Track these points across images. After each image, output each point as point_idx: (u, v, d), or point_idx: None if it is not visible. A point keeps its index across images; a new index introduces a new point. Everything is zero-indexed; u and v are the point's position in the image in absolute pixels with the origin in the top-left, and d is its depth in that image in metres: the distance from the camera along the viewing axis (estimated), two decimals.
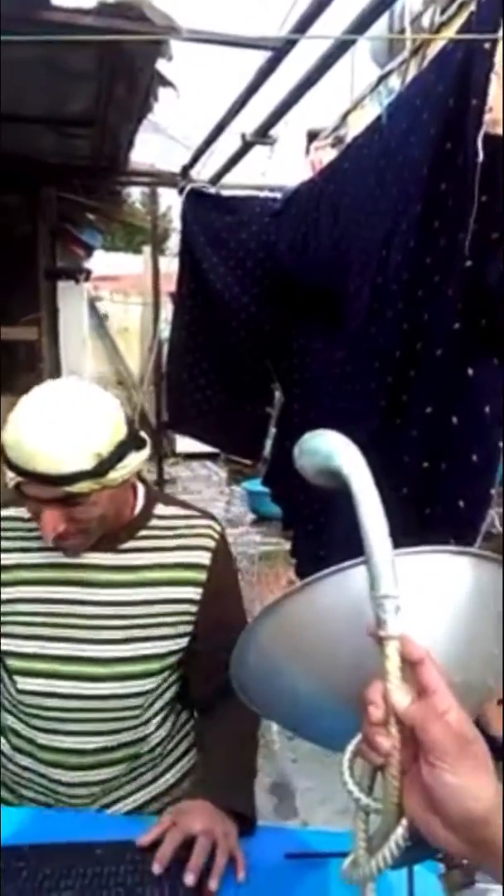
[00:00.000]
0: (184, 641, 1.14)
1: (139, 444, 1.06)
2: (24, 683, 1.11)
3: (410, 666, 0.58)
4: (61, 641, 1.10)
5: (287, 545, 4.25)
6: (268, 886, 0.94)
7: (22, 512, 1.14)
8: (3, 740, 1.19)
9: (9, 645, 1.12)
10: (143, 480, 1.19)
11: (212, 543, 1.15)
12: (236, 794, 1.03)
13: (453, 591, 0.68)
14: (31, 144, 3.26)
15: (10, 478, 1.00)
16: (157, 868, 0.90)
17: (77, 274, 4.01)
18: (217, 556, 1.15)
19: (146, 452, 1.07)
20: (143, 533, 1.14)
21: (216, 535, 1.17)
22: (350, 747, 0.70)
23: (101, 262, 6.85)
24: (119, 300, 8.32)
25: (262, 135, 2.79)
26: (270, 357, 2.83)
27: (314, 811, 2.30)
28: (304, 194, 2.44)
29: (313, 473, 0.77)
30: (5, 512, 1.18)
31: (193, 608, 1.13)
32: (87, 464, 0.97)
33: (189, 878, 0.89)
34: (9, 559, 1.14)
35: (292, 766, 2.60)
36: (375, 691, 0.59)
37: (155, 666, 1.12)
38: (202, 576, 1.13)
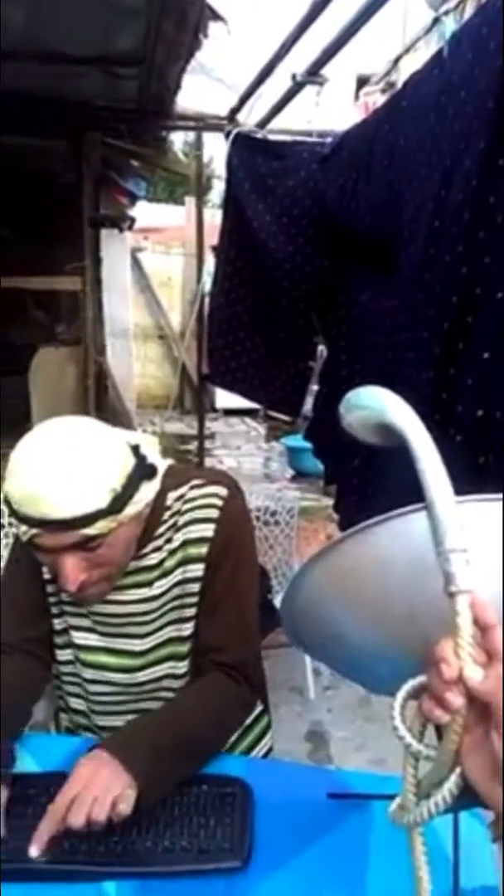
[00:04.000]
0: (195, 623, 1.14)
1: (150, 473, 1.02)
2: (79, 672, 1.16)
3: (480, 630, 0.57)
4: (106, 636, 1.14)
5: (326, 501, 4.24)
6: (309, 825, 0.95)
7: None
8: (64, 718, 1.25)
9: (62, 627, 1.16)
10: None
11: (215, 513, 1.11)
12: (136, 752, 0.93)
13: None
14: (76, 86, 3.20)
15: (23, 532, 0.95)
16: (33, 851, 0.84)
17: (121, 222, 3.97)
18: (221, 524, 1.11)
19: (157, 481, 1.04)
20: (158, 531, 1.12)
21: (220, 503, 1.11)
22: (402, 693, 0.69)
23: (143, 213, 6.78)
24: (161, 252, 8.25)
25: (313, 75, 2.69)
26: (315, 309, 2.77)
27: (348, 760, 2.33)
28: (355, 137, 2.35)
29: (363, 430, 0.75)
30: None
31: (197, 587, 1.12)
32: (103, 501, 0.93)
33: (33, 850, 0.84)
34: None
35: (328, 715, 2.63)
36: (446, 648, 0.58)
37: (181, 649, 1.14)
38: (203, 549, 1.11)
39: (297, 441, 4.82)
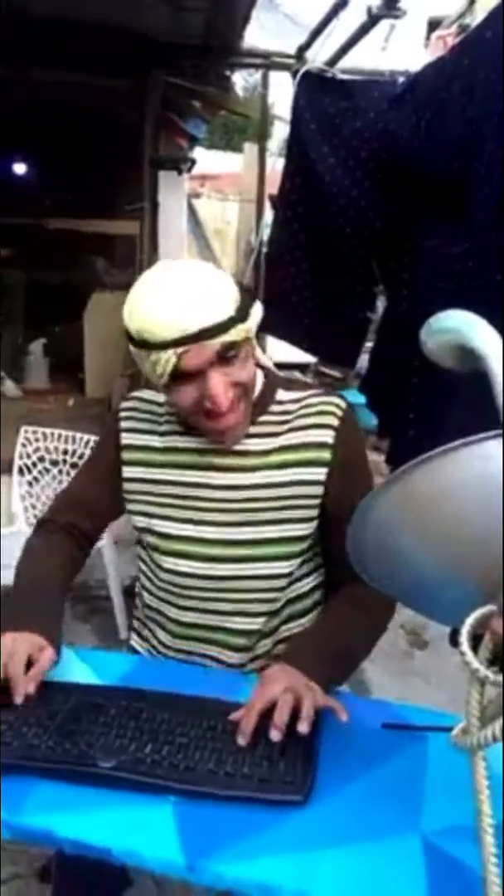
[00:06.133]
0: (314, 525, 1.13)
1: (253, 299, 1.08)
2: (161, 560, 1.16)
3: None
4: (189, 523, 1.13)
5: (374, 456, 4.21)
6: (363, 754, 0.95)
7: (154, 395, 1.18)
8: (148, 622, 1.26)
9: (143, 522, 1.17)
10: (262, 367, 1.17)
11: (335, 421, 1.12)
12: (316, 662, 1.01)
13: None
14: (142, 20, 3.12)
15: (164, 364, 0.99)
16: (241, 740, 0.90)
17: (181, 164, 3.91)
18: (341, 433, 1.11)
19: (259, 312, 1.08)
20: (265, 418, 1.13)
21: (340, 413, 1.13)
22: (471, 619, 0.68)
23: (200, 159, 6.66)
24: (217, 199, 8.12)
25: (390, 8, 2.57)
26: (377, 257, 2.70)
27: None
28: (430, 74, 2.24)
29: (443, 354, 0.73)
30: (137, 393, 1.21)
31: (320, 490, 1.11)
32: (232, 309, 1.00)
33: (274, 735, 0.90)
34: (138, 440, 1.17)
35: (370, 665, 2.65)
36: None
37: (282, 550, 1.12)
38: (326, 455, 1.11)
39: (350, 395, 4.75)
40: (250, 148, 5.43)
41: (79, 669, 1.10)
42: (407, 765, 0.94)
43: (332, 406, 1.13)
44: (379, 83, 2.81)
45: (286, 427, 1.12)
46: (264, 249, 3.77)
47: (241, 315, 1.02)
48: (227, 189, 7.98)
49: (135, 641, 1.29)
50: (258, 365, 1.13)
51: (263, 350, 8.06)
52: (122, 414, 1.20)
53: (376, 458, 3.40)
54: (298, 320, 3.31)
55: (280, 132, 4.53)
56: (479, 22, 2.11)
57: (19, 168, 6.45)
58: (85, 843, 0.81)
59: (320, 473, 1.11)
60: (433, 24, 4.69)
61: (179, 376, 1.01)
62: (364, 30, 2.82)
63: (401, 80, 2.75)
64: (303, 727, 0.90)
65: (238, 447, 1.12)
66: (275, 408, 1.14)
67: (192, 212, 7.81)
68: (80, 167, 4.90)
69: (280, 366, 8.14)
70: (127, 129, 4.12)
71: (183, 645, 1.18)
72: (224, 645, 1.16)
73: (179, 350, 0.98)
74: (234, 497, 1.11)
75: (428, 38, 4.78)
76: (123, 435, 1.18)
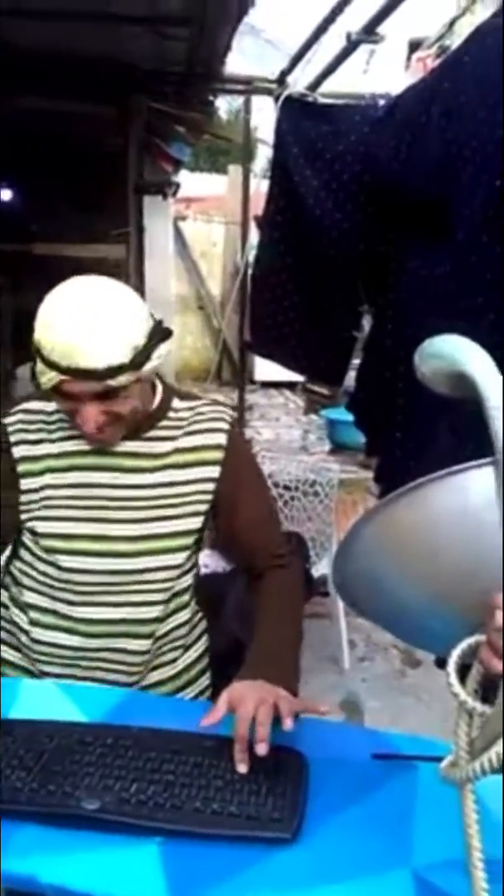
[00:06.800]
0: (203, 519, 1.22)
1: (165, 335, 1.10)
2: (60, 561, 1.17)
3: None
4: (92, 522, 1.17)
5: (364, 474, 4.21)
6: (353, 784, 0.94)
7: (42, 405, 1.20)
8: (22, 616, 1.24)
9: (43, 527, 1.18)
10: (159, 377, 1.23)
11: (226, 426, 1.23)
12: (279, 669, 1.05)
13: None
14: (124, 48, 3.16)
15: (47, 379, 1.04)
16: (241, 769, 0.90)
17: (166, 188, 3.93)
18: (232, 435, 1.23)
19: (170, 343, 1.12)
20: (164, 423, 1.21)
21: (229, 419, 1.25)
22: (457, 650, 0.68)
23: (186, 182, 6.70)
24: (202, 220, 8.18)
25: (369, 33, 2.61)
26: (361, 278, 2.72)
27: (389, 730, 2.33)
28: (410, 97, 2.27)
29: (436, 380, 0.72)
30: (25, 405, 1.22)
31: (212, 486, 1.20)
32: (126, 357, 1.02)
33: (260, 749, 0.89)
34: (37, 450, 1.19)
35: (362, 685, 2.63)
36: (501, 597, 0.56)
37: (180, 542, 1.20)
38: (219, 454, 1.21)
39: (338, 413, 4.77)
40: (235, 170, 5.49)
41: (65, 707, 1.08)
42: (397, 796, 0.92)
43: (223, 414, 1.24)
44: (360, 107, 2.84)
45: (182, 431, 1.21)
46: (250, 270, 3.79)
47: (138, 360, 1.04)
48: (212, 211, 8.05)
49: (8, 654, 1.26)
50: (152, 384, 1.20)
51: (252, 369, 8.10)
52: (10, 429, 1.20)
53: (367, 476, 3.40)
54: (285, 340, 3.32)
55: (264, 154, 4.57)
56: (458, 44, 2.15)
57: (5, 195, 6.47)
58: (68, 889, 0.79)
59: (214, 471, 1.20)
60: (414, 46, 4.77)
61: (59, 391, 1.05)
62: (344, 55, 2.86)
63: (381, 102, 2.78)
64: (287, 724, 0.92)
65: (139, 449, 1.18)
66: (171, 415, 1.22)
67: (179, 234, 7.87)
68: (66, 193, 4.93)
69: (268, 384, 8.19)
70: (112, 154, 4.15)
71: (90, 643, 1.18)
72: (131, 635, 1.19)
73: (62, 377, 1.02)
74: (136, 496, 1.17)
75: (409, 59, 4.86)
76: (14, 449, 1.19)
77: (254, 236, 3.90)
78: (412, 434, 2.17)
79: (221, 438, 1.22)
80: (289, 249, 3.17)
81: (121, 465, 1.18)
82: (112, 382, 1.02)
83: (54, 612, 1.20)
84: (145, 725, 1.00)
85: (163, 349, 1.09)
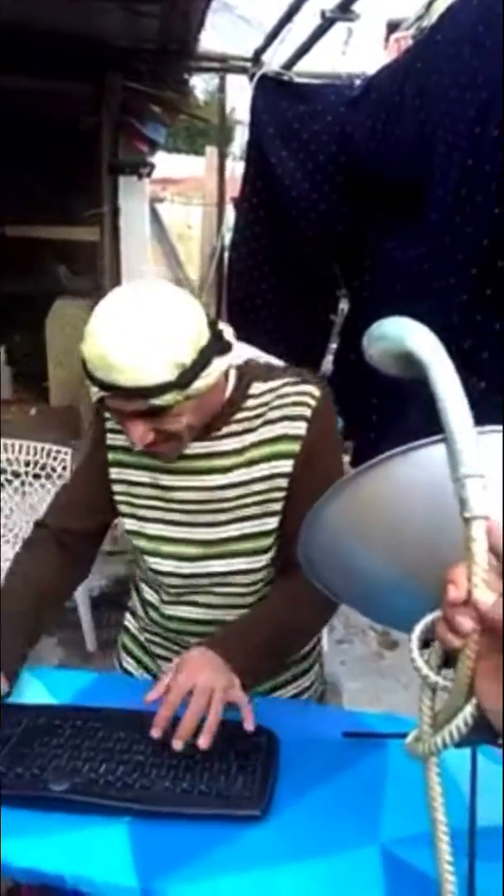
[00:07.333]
0: (281, 518, 1.12)
1: (223, 348, 1.00)
2: (150, 562, 1.16)
3: (496, 558, 0.55)
4: (170, 525, 1.13)
5: (343, 458, 4.23)
6: (324, 763, 0.94)
7: None
8: (141, 611, 1.27)
9: (129, 524, 1.17)
10: (234, 366, 1.12)
11: (308, 411, 1.07)
12: (238, 649, 1.00)
13: None
14: (97, 25, 3.09)
15: (94, 392, 0.97)
16: (155, 733, 0.89)
17: (141, 168, 3.88)
18: (314, 423, 1.07)
19: (231, 356, 1.02)
20: (238, 416, 1.10)
21: (314, 403, 1.08)
22: (420, 626, 0.68)
23: (163, 164, 6.61)
24: (180, 202, 8.09)
25: (344, 11, 2.58)
26: (338, 259, 2.71)
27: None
28: (385, 77, 2.26)
29: (384, 360, 0.72)
30: None
31: (285, 482, 1.09)
32: (171, 375, 0.93)
33: (176, 744, 0.87)
34: (118, 440, 1.15)
35: (341, 667, 2.65)
36: (457, 571, 0.56)
37: (262, 543, 1.12)
38: (296, 447, 1.08)
39: None
40: (212, 152, 5.42)
41: (34, 689, 1.08)
42: (368, 774, 0.93)
43: (306, 396, 1.08)
44: (335, 86, 2.82)
45: (261, 420, 1.09)
46: (226, 254, 3.76)
47: (184, 380, 0.94)
48: (190, 193, 7.95)
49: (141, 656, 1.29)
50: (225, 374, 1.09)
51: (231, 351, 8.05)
52: (107, 413, 1.15)
53: (345, 459, 3.40)
54: (262, 323, 3.31)
55: (242, 136, 4.52)
56: (432, 24, 2.13)
57: None
58: (37, 871, 0.78)
59: (288, 465, 1.09)
60: (392, 27, 4.72)
61: (106, 404, 0.99)
62: (319, 32, 2.82)
63: (357, 82, 2.76)
64: (202, 742, 0.88)
65: (212, 449, 1.09)
66: (250, 402, 1.10)
67: (156, 216, 7.78)
68: (39, 173, 4.84)
69: None
70: (85, 134, 4.08)
71: (181, 640, 1.19)
72: None
73: (104, 392, 0.95)
74: (210, 498, 1.11)
75: (387, 41, 4.81)
76: (108, 435, 1.17)
77: (230, 219, 3.87)
78: (386, 417, 2.18)
79: (301, 428, 1.08)
80: (265, 231, 3.14)
81: (193, 468, 1.10)
82: (156, 402, 0.94)
83: (153, 607, 1.21)
84: (115, 706, 0.99)
85: (218, 365, 0.99)
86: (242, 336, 3.38)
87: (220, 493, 1.10)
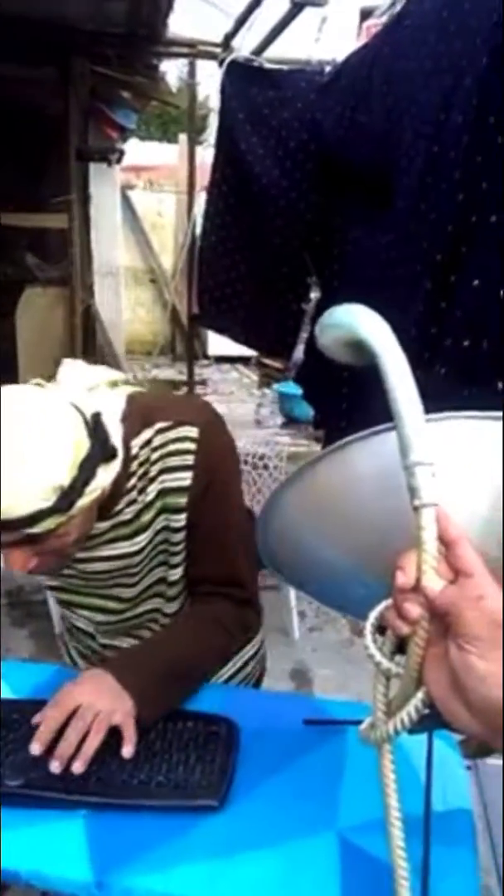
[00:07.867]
0: (185, 567, 1.13)
1: (108, 455, 0.91)
2: (73, 618, 1.23)
3: (445, 545, 0.55)
4: (90, 591, 1.15)
5: (315, 447, 4.23)
6: (284, 751, 0.94)
7: None
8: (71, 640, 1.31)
9: (54, 592, 1.22)
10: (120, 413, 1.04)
11: (189, 458, 1.03)
12: (134, 672, 0.95)
13: (487, 458, 0.64)
14: (62, 8, 3.03)
15: None
16: (35, 749, 0.86)
17: (110, 155, 3.82)
18: (198, 467, 1.04)
19: (117, 463, 0.95)
20: (129, 485, 1.03)
21: (192, 445, 1.03)
22: (374, 613, 0.68)
23: (136, 151, 6.54)
24: (153, 191, 8.02)
25: None
26: (309, 248, 2.69)
27: (331, 698, 2.37)
28: (355, 63, 2.24)
29: (336, 348, 0.72)
30: None
31: (180, 536, 1.08)
32: (47, 500, 0.82)
33: (53, 766, 0.85)
34: None
35: (312, 654, 2.66)
36: (406, 558, 0.57)
37: (172, 591, 1.15)
38: (182, 499, 1.05)
39: (289, 387, 4.77)
40: (185, 139, 5.37)
41: None
42: (327, 761, 0.93)
43: (185, 442, 1.03)
44: (305, 72, 2.79)
45: (146, 480, 1.04)
46: (197, 242, 3.73)
47: (63, 504, 0.84)
48: (163, 181, 7.88)
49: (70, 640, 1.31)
50: None
51: (206, 343, 8.02)
52: None
53: (316, 449, 3.42)
54: (233, 312, 3.29)
55: (215, 123, 4.48)
56: (399, 9, 2.11)
57: None
58: None
59: (178, 519, 1.06)
60: (366, 15, 4.70)
61: None
62: (289, 17, 2.79)
63: (328, 69, 2.74)
64: (77, 766, 0.85)
65: (115, 520, 1.04)
66: (134, 466, 1.03)
67: (129, 204, 7.70)
68: (6, 160, 4.76)
69: (222, 358, 8.14)
70: (54, 119, 4.01)
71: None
72: None
73: None
74: (120, 565, 1.10)
75: (360, 28, 4.79)
76: None
77: (202, 207, 3.83)
78: (357, 405, 2.18)
79: (185, 479, 1.03)
80: (235, 219, 3.12)
81: (100, 542, 1.05)
82: (31, 530, 0.83)
83: (89, 635, 1.24)
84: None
85: (102, 476, 0.90)
86: (215, 326, 3.37)
87: (128, 560, 1.09)
